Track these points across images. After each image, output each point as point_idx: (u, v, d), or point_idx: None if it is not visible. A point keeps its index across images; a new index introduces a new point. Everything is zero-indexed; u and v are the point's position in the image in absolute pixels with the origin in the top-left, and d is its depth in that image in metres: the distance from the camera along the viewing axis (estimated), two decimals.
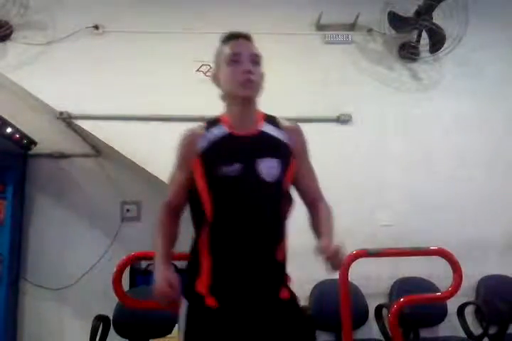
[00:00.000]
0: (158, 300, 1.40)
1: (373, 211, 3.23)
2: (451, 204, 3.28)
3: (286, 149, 1.47)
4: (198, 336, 1.38)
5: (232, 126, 1.47)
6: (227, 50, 1.48)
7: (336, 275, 2.31)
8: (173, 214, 1.55)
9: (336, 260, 1.29)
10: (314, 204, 1.53)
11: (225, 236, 1.40)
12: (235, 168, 1.38)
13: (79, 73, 3.24)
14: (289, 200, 1.49)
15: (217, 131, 1.47)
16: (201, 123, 1.52)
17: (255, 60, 1.47)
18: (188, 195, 1.49)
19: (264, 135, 1.47)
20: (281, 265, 1.45)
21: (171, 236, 1.54)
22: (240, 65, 1.44)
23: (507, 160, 3.42)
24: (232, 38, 1.51)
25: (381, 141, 3.32)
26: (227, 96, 1.50)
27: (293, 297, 1.46)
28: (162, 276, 1.39)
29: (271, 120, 1.53)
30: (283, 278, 1.46)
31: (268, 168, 1.41)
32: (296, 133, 1.53)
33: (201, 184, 1.42)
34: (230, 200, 1.40)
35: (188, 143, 1.47)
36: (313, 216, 1.52)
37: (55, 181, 3.62)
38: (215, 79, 1.55)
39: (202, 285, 1.43)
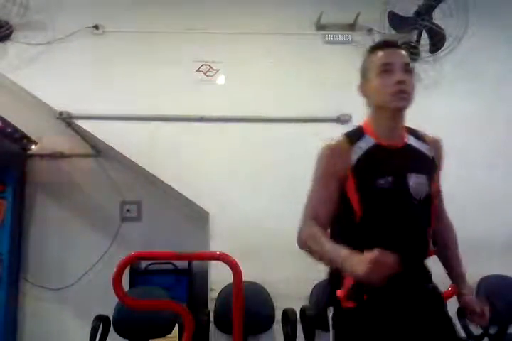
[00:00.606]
0: (373, 274, 1.15)
1: None
2: (451, 204, 3.24)
3: (432, 164, 1.46)
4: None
5: (379, 137, 1.42)
6: (377, 59, 1.41)
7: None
8: (319, 226, 1.39)
9: (484, 320, 1.40)
10: (440, 220, 1.54)
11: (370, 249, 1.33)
12: (388, 181, 1.36)
13: (79, 73, 3.25)
14: (435, 214, 1.47)
15: (364, 144, 1.41)
16: (342, 136, 1.44)
17: (407, 69, 1.40)
18: (333, 209, 1.40)
19: (410, 148, 1.44)
20: (429, 273, 1.48)
21: (328, 238, 1.36)
22: (392, 75, 1.37)
23: (507, 159, 3.41)
24: (382, 47, 1.44)
25: None
26: (377, 108, 1.44)
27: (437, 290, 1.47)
28: (371, 255, 1.14)
29: (413, 132, 1.50)
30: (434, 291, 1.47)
31: (417, 183, 1.39)
32: (438, 147, 1.51)
33: (353, 197, 1.37)
34: (382, 212, 1.37)
35: (336, 158, 1.39)
36: (440, 236, 1.55)
37: (55, 181, 3.62)
38: (362, 90, 1.48)
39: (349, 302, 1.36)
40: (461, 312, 3.00)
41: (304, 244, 1.36)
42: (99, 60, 3.29)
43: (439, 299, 1.46)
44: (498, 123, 3.46)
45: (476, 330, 3.02)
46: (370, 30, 3.48)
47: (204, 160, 3.20)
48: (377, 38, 3.50)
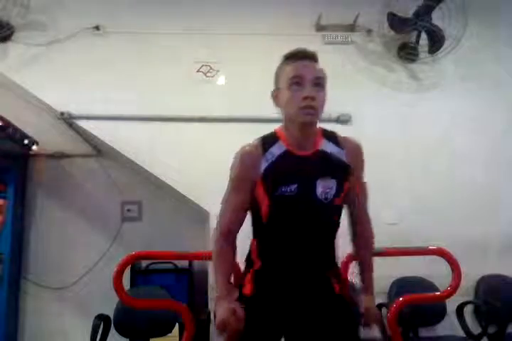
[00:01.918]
0: (220, 330, 1.37)
1: (373, 211, 3.23)
2: (451, 204, 3.28)
3: (345, 169, 1.47)
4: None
5: (290, 145, 1.46)
6: (289, 71, 1.42)
7: None
8: (230, 242, 1.52)
9: (369, 321, 1.50)
10: (359, 225, 1.58)
11: (279, 255, 1.45)
12: (291, 188, 1.40)
13: (80, 73, 3.25)
14: (339, 216, 1.52)
15: (276, 150, 1.45)
16: (257, 141, 1.49)
17: (319, 82, 1.41)
18: (244, 216, 1.51)
19: (323, 154, 1.46)
20: (329, 279, 1.50)
21: (230, 267, 1.52)
22: (301, 90, 1.39)
23: (506, 159, 3.42)
24: (295, 57, 1.43)
25: (380, 141, 3.32)
26: (287, 119, 1.47)
27: (343, 292, 1.51)
28: (227, 308, 1.37)
29: (330, 137, 1.51)
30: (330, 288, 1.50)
31: (325, 188, 1.42)
32: (356, 151, 1.52)
33: (262, 202, 1.44)
34: (284, 219, 1.43)
35: (248, 165, 1.45)
36: (357, 240, 1.59)
37: (56, 181, 3.63)
38: (275, 98, 1.50)
39: (246, 289, 1.50)
40: (460, 312, 3.04)
41: (213, 255, 1.51)
42: (100, 61, 3.29)
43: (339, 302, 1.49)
44: (498, 124, 3.46)
45: (475, 330, 3.03)
46: (369, 31, 3.49)
47: (204, 160, 3.21)
48: (376, 39, 3.52)
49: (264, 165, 1.43)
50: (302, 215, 1.42)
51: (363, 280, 1.59)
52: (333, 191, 1.43)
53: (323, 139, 1.49)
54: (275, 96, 1.49)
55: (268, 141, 1.47)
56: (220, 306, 1.40)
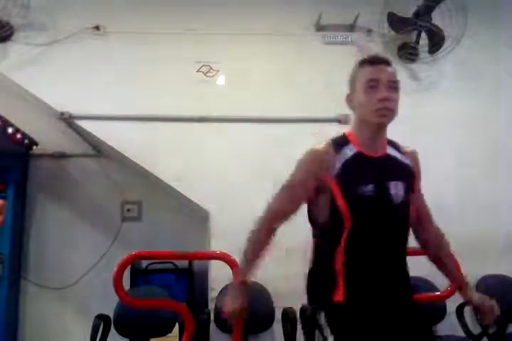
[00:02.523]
0: (226, 316, 1.55)
1: None
2: (451, 204, 3.28)
3: (410, 173, 1.56)
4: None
5: (361, 146, 1.51)
6: (365, 75, 1.49)
7: None
8: (271, 229, 1.57)
9: (492, 316, 1.55)
10: (425, 226, 1.65)
11: (361, 252, 1.47)
12: (369, 189, 1.45)
13: (80, 73, 3.24)
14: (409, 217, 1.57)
15: (348, 152, 1.49)
16: (328, 142, 1.53)
17: (393, 86, 1.48)
18: (294, 211, 1.56)
19: (390, 158, 1.54)
20: (408, 276, 1.59)
21: (262, 253, 1.58)
22: (377, 92, 1.45)
23: (506, 160, 3.41)
24: (371, 62, 1.51)
25: None
26: (361, 120, 1.52)
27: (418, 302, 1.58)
28: (237, 300, 1.54)
29: (393, 144, 1.59)
30: (411, 287, 1.59)
31: (396, 190, 1.49)
32: (415, 158, 1.61)
33: (341, 202, 1.45)
34: (367, 218, 1.47)
35: (319, 161, 1.48)
36: (432, 239, 1.66)
37: (56, 181, 3.63)
38: (349, 101, 1.56)
39: (339, 296, 1.45)
40: (460, 311, 3.03)
41: (249, 237, 1.57)
42: (100, 61, 3.28)
43: (415, 306, 1.56)
44: (498, 124, 3.45)
45: (475, 330, 3.03)
46: (369, 31, 3.48)
47: (204, 160, 3.21)
48: (376, 39, 3.51)
49: (337, 165, 1.46)
50: (383, 215, 1.47)
51: (455, 277, 1.69)
52: (402, 193, 1.49)
53: (388, 145, 1.57)
54: (350, 99, 1.55)
55: (339, 143, 1.52)
56: (235, 294, 1.55)
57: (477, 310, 1.57)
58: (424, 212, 1.65)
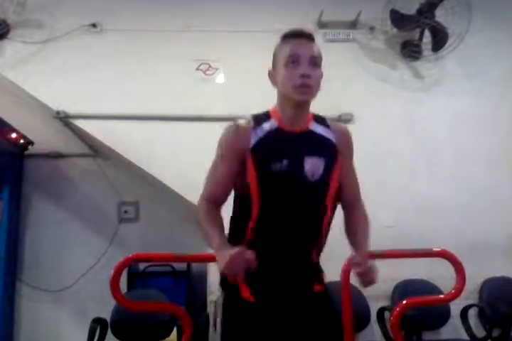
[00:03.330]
0: (229, 270, 1.30)
1: (375, 211, 3.18)
2: (454, 205, 3.25)
3: (333, 149, 1.49)
4: (234, 326, 1.43)
5: (282, 122, 1.47)
6: (285, 50, 1.44)
7: (338, 277, 2.28)
8: (214, 207, 1.49)
9: (368, 277, 1.38)
10: (351, 207, 1.56)
11: (267, 232, 1.43)
12: (283, 165, 1.40)
13: (76, 72, 3.22)
14: (334, 201, 1.51)
15: (267, 126, 1.46)
16: (248, 118, 1.50)
17: (315, 61, 1.43)
18: (231, 187, 1.50)
19: (312, 133, 1.49)
20: (316, 264, 1.50)
21: (220, 226, 1.46)
22: (297, 68, 1.40)
23: (510, 159, 3.38)
24: (292, 36, 1.46)
25: (383, 140, 3.29)
26: (282, 96, 1.48)
27: (325, 290, 1.51)
28: (230, 251, 1.30)
29: (320, 120, 1.53)
30: (317, 275, 1.51)
31: (314, 166, 1.43)
32: (344, 135, 1.54)
33: (252, 178, 1.43)
34: (277, 196, 1.43)
35: (238, 136, 1.47)
36: (349, 222, 1.55)
37: (52, 181, 3.60)
38: (272, 77, 1.52)
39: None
40: (464, 315, 3.00)
41: (198, 222, 1.47)
42: (97, 59, 3.26)
43: (322, 302, 1.49)
44: (502, 122, 3.43)
45: (479, 333, 3.00)
46: (371, 28, 3.45)
47: (203, 160, 3.14)
48: (379, 36, 3.48)
49: (254, 139, 1.44)
50: (294, 192, 1.42)
51: (354, 241, 1.50)
52: (321, 170, 1.43)
53: (313, 121, 1.51)
54: (272, 75, 1.51)
55: (260, 117, 1.50)
56: (222, 252, 1.33)
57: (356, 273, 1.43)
58: (352, 191, 1.55)
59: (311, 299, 1.45)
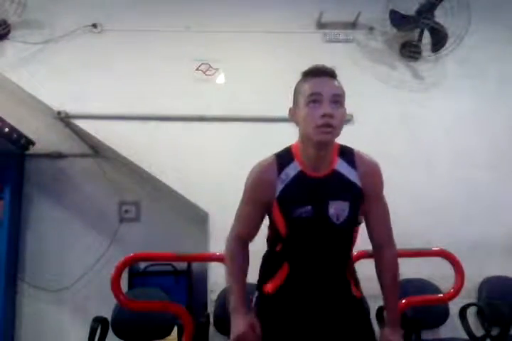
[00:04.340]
0: None
1: None
2: (453, 205, 3.25)
3: (357, 192, 1.46)
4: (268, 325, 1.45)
5: (305, 165, 1.45)
6: (306, 88, 1.39)
7: None
8: (242, 247, 1.54)
9: None
10: (380, 249, 1.53)
11: (299, 272, 1.48)
12: (307, 210, 1.42)
13: (77, 72, 3.22)
14: (352, 237, 1.53)
15: (291, 171, 1.45)
16: (272, 159, 1.48)
17: (337, 100, 1.39)
18: (260, 224, 1.54)
19: (336, 175, 1.45)
20: (348, 281, 1.52)
21: (244, 271, 1.52)
22: (319, 107, 1.36)
23: (509, 159, 3.38)
24: (313, 74, 1.41)
25: (382, 140, 3.29)
26: (303, 136, 1.44)
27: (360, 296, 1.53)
28: (244, 321, 1.40)
29: (346, 155, 1.49)
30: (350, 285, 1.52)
31: (338, 210, 1.43)
32: (371, 172, 1.49)
33: (279, 222, 1.47)
34: (303, 239, 1.46)
35: (264, 183, 1.46)
36: (380, 264, 1.53)
37: (53, 181, 3.60)
38: (292, 115, 1.46)
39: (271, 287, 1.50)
40: (463, 314, 3.00)
41: (225, 259, 1.54)
42: (98, 59, 3.26)
43: (357, 305, 1.51)
44: (501, 123, 3.43)
45: (478, 332, 3.00)
46: (371, 29, 3.46)
47: (204, 160, 3.17)
48: (378, 37, 3.48)
49: (279, 187, 1.44)
50: (318, 235, 1.45)
51: (386, 308, 1.55)
52: (346, 213, 1.43)
53: (338, 158, 1.47)
54: (292, 113, 1.46)
55: (283, 161, 1.47)
56: (237, 318, 1.41)
57: None
58: (381, 233, 1.52)
59: (346, 302, 1.48)
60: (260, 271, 1.57)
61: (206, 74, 3.30)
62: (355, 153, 1.50)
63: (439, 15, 3.32)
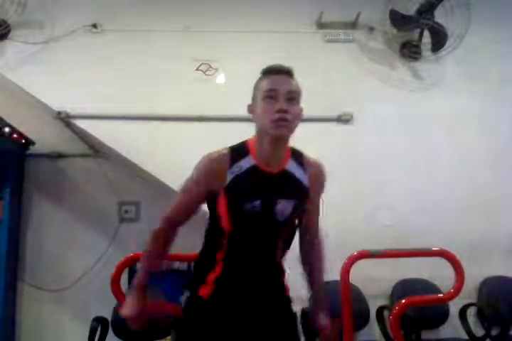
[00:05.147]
0: (127, 321, 1.53)
1: (375, 211, 3.20)
2: (453, 205, 3.25)
3: (304, 192, 1.52)
4: (192, 326, 1.49)
5: (259, 160, 1.48)
6: (264, 84, 1.46)
7: (337, 277, 2.29)
8: (171, 230, 1.61)
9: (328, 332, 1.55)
10: (309, 239, 1.63)
11: (236, 263, 1.51)
12: (255, 205, 1.44)
13: (77, 72, 3.22)
14: (292, 235, 1.59)
15: (244, 164, 1.47)
16: (226, 151, 1.50)
17: (292, 96, 1.44)
18: (193, 215, 1.57)
19: (287, 174, 1.50)
20: (278, 264, 1.57)
21: (162, 253, 1.62)
22: (275, 103, 1.42)
23: (509, 159, 3.38)
24: (271, 72, 1.49)
25: (382, 140, 3.30)
26: (259, 131, 1.50)
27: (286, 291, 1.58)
28: (137, 306, 1.54)
29: (296, 156, 1.55)
30: (280, 275, 1.57)
31: (283, 208, 1.47)
32: (318, 174, 1.57)
33: (223, 213, 1.48)
34: (245, 233, 1.49)
35: (212, 172, 1.47)
36: (307, 254, 1.64)
37: (53, 181, 3.59)
38: (251, 111, 1.53)
39: (205, 291, 1.53)
40: (463, 314, 3.00)
41: (148, 241, 1.60)
42: (98, 59, 3.25)
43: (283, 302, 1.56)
44: (501, 122, 3.44)
45: (478, 332, 3.00)
46: (371, 29, 3.46)
47: None
48: (378, 37, 3.48)
49: (229, 177, 1.45)
50: (261, 231, 1.48)
51: (314, 288, 1.64)
52: (289, 211, 1.48)
53: (290, 159, 1.53)
54: (250, 109, 1.53)
55: (238, 153, 1.50)
56: (132, 299, 1.55)
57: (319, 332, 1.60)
58: (313, 225, 1.63)
59: (277, 304, 1.52)
60: (194, 267, 1.65)
61: (206, 74, 3.30)
62: (304, 155, 1.57)
63: (439, 16, 3.32)
